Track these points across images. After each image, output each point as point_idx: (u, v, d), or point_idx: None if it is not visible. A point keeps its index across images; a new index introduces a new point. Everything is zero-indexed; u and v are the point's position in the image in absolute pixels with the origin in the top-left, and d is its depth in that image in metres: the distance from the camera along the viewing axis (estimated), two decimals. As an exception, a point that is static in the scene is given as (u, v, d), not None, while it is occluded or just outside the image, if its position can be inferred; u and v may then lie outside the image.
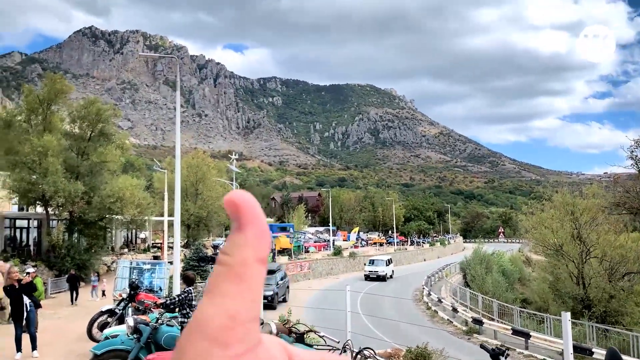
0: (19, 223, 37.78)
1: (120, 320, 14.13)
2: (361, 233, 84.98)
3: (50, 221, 35.87)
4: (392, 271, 48.75)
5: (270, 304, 26.40)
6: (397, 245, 76.61)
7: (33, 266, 24.22)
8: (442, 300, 30.89)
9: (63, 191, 31.94)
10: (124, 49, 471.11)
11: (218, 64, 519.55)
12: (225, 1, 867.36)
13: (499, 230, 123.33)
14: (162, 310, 9.79)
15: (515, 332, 21.01)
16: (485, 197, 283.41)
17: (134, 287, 14.96)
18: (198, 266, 31.40)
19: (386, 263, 47.81)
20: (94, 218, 35.35)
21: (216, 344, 0.44)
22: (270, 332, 8.49)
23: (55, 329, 18.14)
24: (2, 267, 20.12)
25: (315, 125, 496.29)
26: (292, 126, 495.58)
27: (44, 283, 25.33)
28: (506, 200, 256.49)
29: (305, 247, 57.44)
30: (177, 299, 10.06)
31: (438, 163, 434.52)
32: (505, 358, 6.60)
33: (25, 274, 14.96)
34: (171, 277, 19.68)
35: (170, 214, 30.37)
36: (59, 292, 29.63)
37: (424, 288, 36.55)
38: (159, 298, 14.65)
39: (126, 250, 48.44)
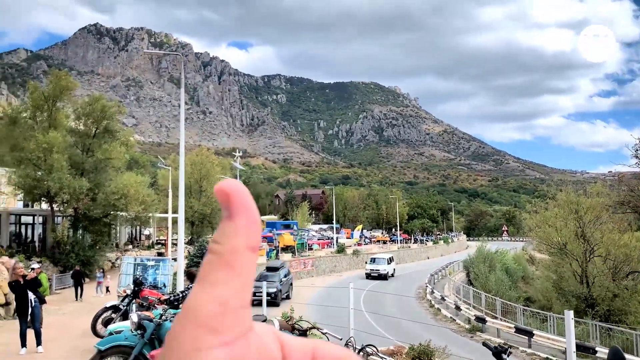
0: (24, 219, 37.96)
1: (125, 316, 14.19)
2: (365, 231, 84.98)
3: (55, 217, 36.03)
4: (394, 269, 48.36)
5: (273, 300, 26.41)
6: (400, 243, 76.58)
7: (38, 262, 24.35)
8: (445, 298, 30.88)
9: (68, 188, 32.07)
10: (129, 46, 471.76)
11: (222, 61, 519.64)
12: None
13: (503, 229, 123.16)
14: (166, 306, 9.83)
15: (518, 330, 21.00)
16: (489, 196, 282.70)
17: (138, 283, 15.02)
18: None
19: (387, 261, 47.28)
20: (98, 214, 35.50)
21: (207, 331, 0.45)
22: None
23: (59, 324, 18.24)
24: (8, 263, 20.26)
25: (320, 123, 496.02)
26: (296, 124, 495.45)
27: (49, 279, 25.42)
28: (510, 198, 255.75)
29: (308, 244, 57.47)
30: (180, 295, 10.12)
31: (442, 161, 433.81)
32: (508, 356, 6.61)
33: (30, 270, 15.07)
34: (175, 274, 19.73)
35: (175, 211, 30.45)
36: (64, 288, 29.78)
37: (427, 286, 36.54)
38: (163, 294, 14.70)
39: (130, 246, 48.61)
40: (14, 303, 14.67)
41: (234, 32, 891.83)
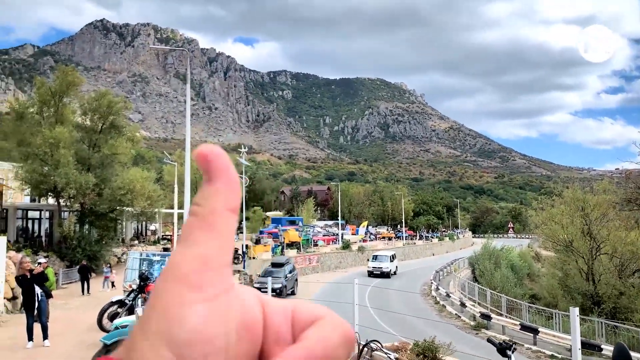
0: (31, 214, 38.14)
1: (130, 310, 14.28)
2: (370, 227, 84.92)
3: (62, 212, 36.21)
4: (396, 267, 47.45)
5: (278, 296, 26.43)
6: (405, 239, 76.53)
7: (45, 257, 24.46)
8: (450, 294, 30.84)
9: (74, 183, 32.19)
10: (135, 42, 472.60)
11: (228, 57, 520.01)
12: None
13: (509, 226, 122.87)
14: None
15: (524, 327, 20.96)
16: (495, 192, 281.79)
17: (143, 278, 15.09)
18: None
19: (390, 259, 46.12)
20: (104, 210, 35.63)
21: (189, 287, 0.45)
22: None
23: (66, 319, 18.34)
24: (15, 258, 20.38)
25: (325, 119, 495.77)
26: (302, 120, 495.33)
27: (55, 273, 25.58)
28: (516, 195, 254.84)
29: (314, 240, 57.53)
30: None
31: (448, 158, 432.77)
32: (513, 352, 6.59)
33: (37, 265, 15.16)
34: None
35: (180, 207, 30.61)
36: (70, 283, 29.93)
37: (432, 282, 36.51)
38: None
39: (136, 242, 48.80)
40: (21, 297, 14.77)
41: (240, 28, 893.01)
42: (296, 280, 33.04)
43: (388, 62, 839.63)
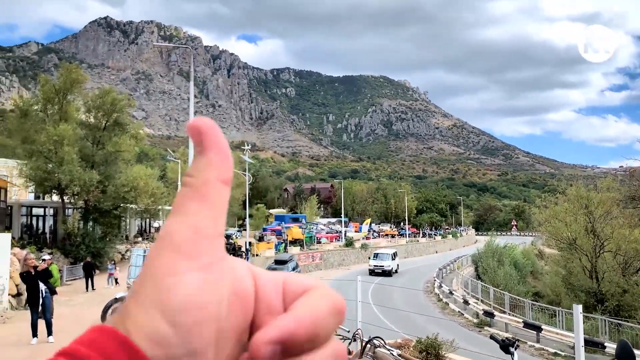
0: (35, 211, 38.28)
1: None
2: (373, 225, 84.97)
3: (66, 209, 36.33)
4: (397, 265, 46.48)
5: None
6: (409, 237, 76.52)
7: (49, 253, 24.59)
8: (453, 292, 30.84)
9: (78, 180, 32.30)
10: (139, 40, 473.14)
11: (232, 54, 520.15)
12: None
13: (512, 223, 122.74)
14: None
15: (527, 325, 20.96)
16: (498, 190, 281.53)
17: (147, 275, 15.13)
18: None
19: (392, 257, 45.29)
20: (108, 207, 35.75)
21: (182, 256, 0.46)
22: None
23: (70, 315, 18.41)
24: (19, 254, 20.47)
25: (329, 117, 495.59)
26: (305, 117, 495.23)
27: (60, 270, 25.67)
28: (519, 193, 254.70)
29: (317, 238, 57.62)
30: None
31: (451, 155, 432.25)
32: (515, 349, 6.59)
33: (41, 261, 15.21)
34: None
35: (184, 204, 30.56)
36: (74, 280, 30.06)
37: (435, 280, 36.50)
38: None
39: (140, 238, 48.94)
40: (26, 294, 14.83)
41: (243, 26, 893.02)
42: (299, 277, 33.05)
43: (391, 60, 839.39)
